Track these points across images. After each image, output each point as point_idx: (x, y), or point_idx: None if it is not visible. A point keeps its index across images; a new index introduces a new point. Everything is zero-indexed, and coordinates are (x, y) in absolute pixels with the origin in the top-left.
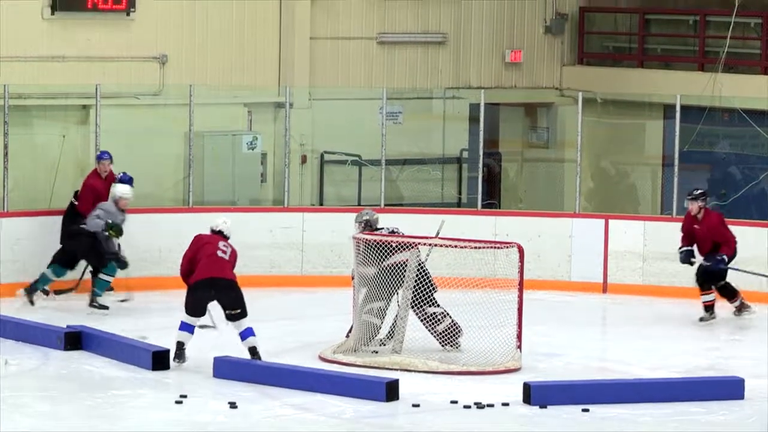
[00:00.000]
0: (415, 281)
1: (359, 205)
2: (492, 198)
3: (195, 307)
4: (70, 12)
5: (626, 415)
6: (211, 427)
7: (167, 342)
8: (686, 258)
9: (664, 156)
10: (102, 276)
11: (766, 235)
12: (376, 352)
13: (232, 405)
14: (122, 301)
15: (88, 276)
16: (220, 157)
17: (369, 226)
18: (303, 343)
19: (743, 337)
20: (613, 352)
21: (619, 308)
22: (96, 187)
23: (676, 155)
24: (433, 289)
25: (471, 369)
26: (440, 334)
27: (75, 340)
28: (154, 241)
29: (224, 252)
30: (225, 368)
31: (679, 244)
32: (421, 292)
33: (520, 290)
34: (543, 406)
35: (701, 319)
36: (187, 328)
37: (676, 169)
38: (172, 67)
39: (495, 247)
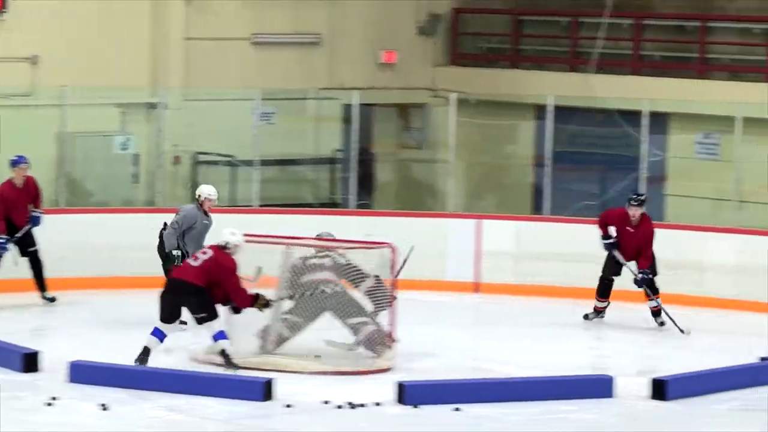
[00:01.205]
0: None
1: (233, 206)
2: (366, 198)
3: (160, 310)
4: None
5: (497, 414)
6: (81, 429)
7: (37, 344)
8: (611, 248)
9: (537, 156)
10: None
11: None
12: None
13: (104, 407)
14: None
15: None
16: (92, 158)
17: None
18: (176, 345)
19: (615, 336)
20: (486, 352)
21: (492, 308)
22: (4, 196)
23: (549, 156)
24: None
25: (343, 369)
26: (361, 340)
27: None
28: None
29: (196, 258)
30: (97, 373)
31: (600, 232)
32: (348, 303)
33: (393, 290)
34: (416, 405)
35: (661, 324)
36: (156, 333)
37: (548, 169)
38: (44, 68)
39: (368, 248)
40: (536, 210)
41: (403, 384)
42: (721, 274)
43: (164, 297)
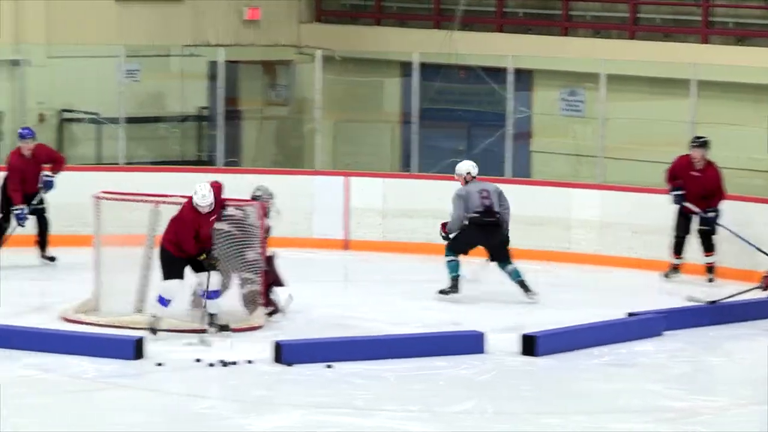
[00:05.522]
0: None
1: (99, 164)
2: (233, 156)
3: None
4: None
5: (370, 371)
6: None
7: None
8: (680, 200)
9: (403, 113)
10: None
11: (503, 190)
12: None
13: None
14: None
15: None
16: None
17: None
18: (44, 304)
19: (482, 292)
20: (355, 309)
21: (360, 265)
22: (14, 166)
23: (415, 113)
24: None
25: None
26: (243, 296)
27: None
28: None
29: None
30: None
31: (668, 186)
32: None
33: (263, 248)
34: (290, 363)
35: (710, 280)
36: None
37: (415, 126)
38: None
39: (236, 206)
40: (404, 167)
41: (280, 343)
42: (585, 230)
43: None
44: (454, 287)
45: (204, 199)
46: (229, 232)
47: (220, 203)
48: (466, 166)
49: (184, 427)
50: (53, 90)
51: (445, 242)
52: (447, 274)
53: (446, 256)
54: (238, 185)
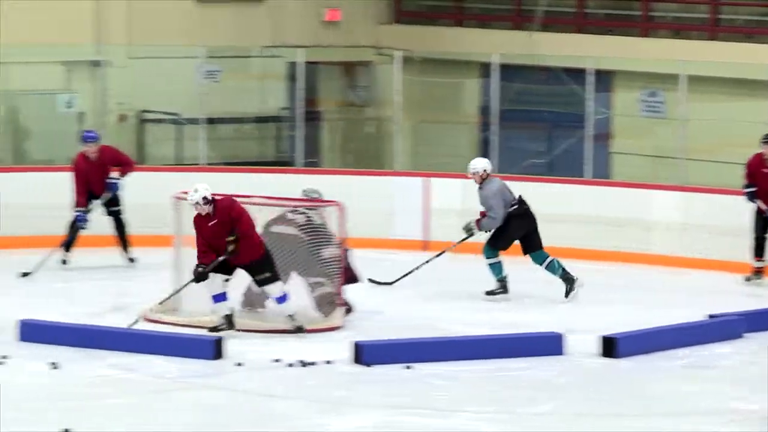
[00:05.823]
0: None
1: (179, 164)
2: (313, 157)
3: None
4: None
5: (449, 372)
6: (31, 388)
7: None
8: (752, 198)
9: (482, 114)
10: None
11: (583, 192)
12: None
13: (54, 365)
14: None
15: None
16: (36, 117)
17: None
18: (123, 304)
19: (562, 294)
20: (435, 310)
21: (439, 265)
22: (78, 169)
23: (495, 114)
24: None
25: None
26: (314, 300)
27: None
28: None
29: None
30: (48, 331)
31: (744, 182)
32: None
33: (342, 248)
34: (368, 364)
35: None
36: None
37: (494, 127)
38: None
39: (315, 206)
40: None
41: (359, 344)
42: (664, 231)
43: None
44: (503, 288)
45: (188, 196)
46: (296, 236)
47: (225, 211)
48: (483, 164)
49: (264, 427)
50: (134, 91)
51: (467, 235)
52: (493, 276)
53: (488, 257)
54: (319, 186)
